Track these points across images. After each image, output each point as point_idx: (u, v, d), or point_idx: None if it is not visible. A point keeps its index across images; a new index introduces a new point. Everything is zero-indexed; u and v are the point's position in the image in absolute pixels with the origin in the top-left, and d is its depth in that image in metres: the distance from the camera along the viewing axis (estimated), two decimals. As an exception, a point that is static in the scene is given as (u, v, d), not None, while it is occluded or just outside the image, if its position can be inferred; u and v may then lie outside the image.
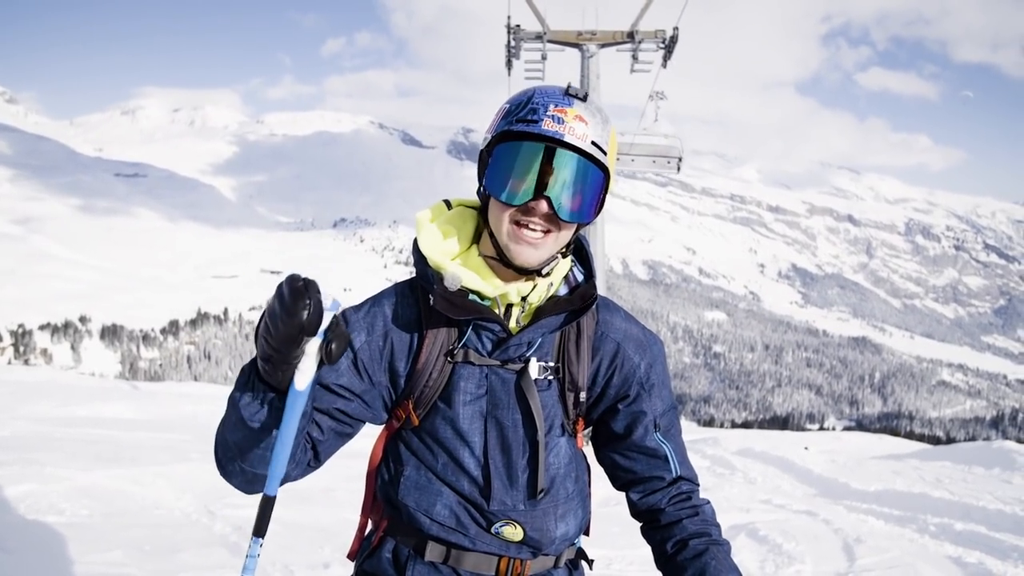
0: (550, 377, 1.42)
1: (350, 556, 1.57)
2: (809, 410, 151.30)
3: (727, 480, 9.97)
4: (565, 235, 1.34)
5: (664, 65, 14.76)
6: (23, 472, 5.51)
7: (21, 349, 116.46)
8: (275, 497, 1.26)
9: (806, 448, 13.52)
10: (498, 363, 1.39)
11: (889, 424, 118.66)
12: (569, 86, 1.32)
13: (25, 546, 3.98)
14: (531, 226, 1.29)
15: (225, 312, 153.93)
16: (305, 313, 1.04)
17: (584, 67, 14.82)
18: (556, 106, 1.27)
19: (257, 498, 1.31)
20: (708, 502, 1.53)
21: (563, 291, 1.44)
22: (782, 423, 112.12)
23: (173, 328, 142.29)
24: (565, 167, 1.27)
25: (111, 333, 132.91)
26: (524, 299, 1.38)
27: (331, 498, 6.21)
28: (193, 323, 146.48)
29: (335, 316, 1.12)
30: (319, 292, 1.07)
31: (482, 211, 1.40)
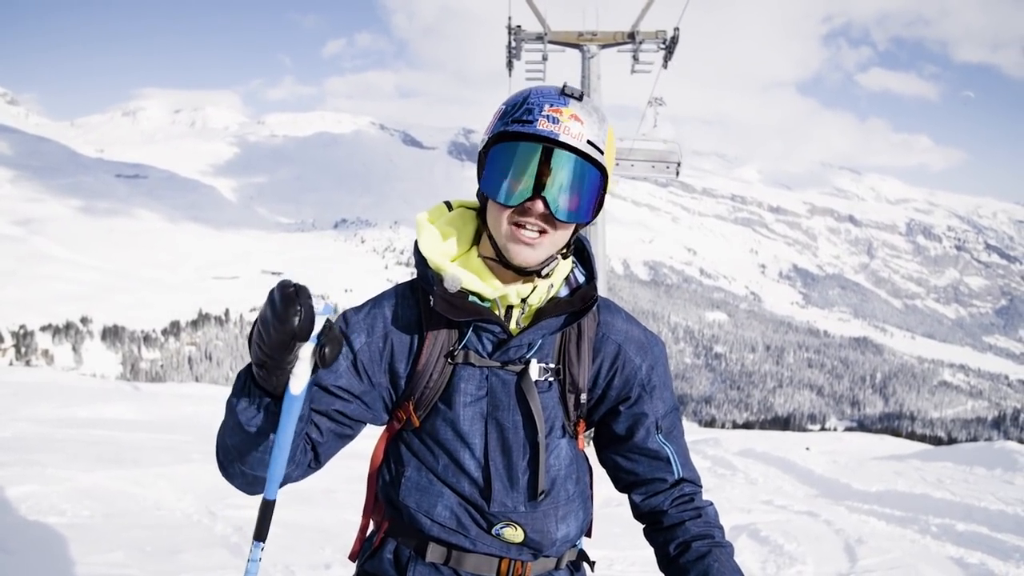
0: (551, 379, 1.42)
1: (351, 557, 1.58)
2: (810, 411, 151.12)
3: (728, 481, 9.97)
4: (563, 235, 1.34)
5: (665, 66, 14.76)
6: (24, 473, 5.51)
7: (22, 350, 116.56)
8: (275, 501, 1.28)
9: (807, 449, 13.52)
10: (498, 364, 1.39)
11: (890, 425, 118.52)
12: (565, 86, 1.31)
13: (26, 547, 3.98)
14: (528, 226, 1.29)
15: (226, 313, 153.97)
16: (296, 319, 1.05)
17: (585, 68, 14.83)
18: (551, 106, 1.27)
19: (258, 499, 1.31)
20: (711, 504, 1.53)
21: (564, 292, 1.43)
22: (783, 424, 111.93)
23: (174, 329, 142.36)
24: (561, 167, 1.26)
25: (112, 334, 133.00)
26: (524, 301, 1.38)
27: (332, 499, 6.22)
28: (194, 324, 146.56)
29: (328, 320, 1.12)
30: (310, 297, 1.08)
31: (481, 212, 1.41)
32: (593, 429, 1.57)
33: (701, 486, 1.56)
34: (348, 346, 1.38)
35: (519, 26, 14.64)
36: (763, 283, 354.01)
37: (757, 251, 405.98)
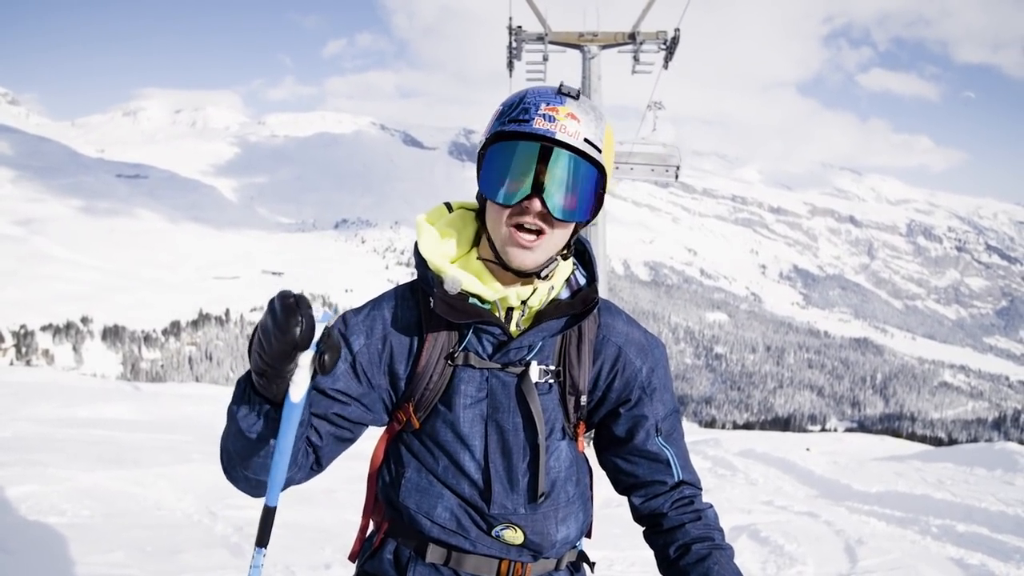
0: (551, 381, 1.42)
1: (351, 557, 1.58)
2: (811, 411, 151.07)
3: (729, 481, 9.97)
4: (562, 236, 1.33)
5: (665, 66, 14.77)
6: (25, 473, 5.51)
7: (23, 350, 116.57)
8: (276, 508, 1.28)
9: (808, 449, 13.53)
10: (499, 366, 1.38)
11: (891, 425, 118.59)
12: (562, 85, 1.31)
13: (26, 547, 3.98)
14: (526, 226, 1.28)
15: (226, 313, 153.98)
16: (298, 330, 1.06)
17: (585, 68, 14.84)
18: (548, 105, 1.26)
19: (259, 500, 1.32)
20: (711, 506, 1.53)
21: (565, 294, 1.43)
22: (784, 424, 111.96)
23: (174, 329, 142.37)
24: (557, 165, 1.26)
25: (113, 334, 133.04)
26: (524, 303, 1.38)
27: (332, 499, 6.22)
28: (194, 324, 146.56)
29: (327, 327, 1.13)
30: (310, 307, 1.09)
31: (480, 214, 1.41)
32: (593, 431, 1.57)
33: (701, 488, 1.56)
34: (347, 348, 1.38)
35: (520, 26, 14.66)
36: (763, 284, 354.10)
37: (758, 252, 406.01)
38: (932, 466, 10.65)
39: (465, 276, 1.34)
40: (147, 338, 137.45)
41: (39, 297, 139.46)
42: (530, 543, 1.43)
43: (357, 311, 1.44)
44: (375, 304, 1.45)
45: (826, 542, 5.93)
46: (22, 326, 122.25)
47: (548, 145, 1.25)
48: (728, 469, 11.08)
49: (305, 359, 1.12)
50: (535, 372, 1.39)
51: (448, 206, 1.48)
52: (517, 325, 1.39)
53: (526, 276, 1.35)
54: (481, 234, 1.41)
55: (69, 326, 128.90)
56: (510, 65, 15.19)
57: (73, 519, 4.62)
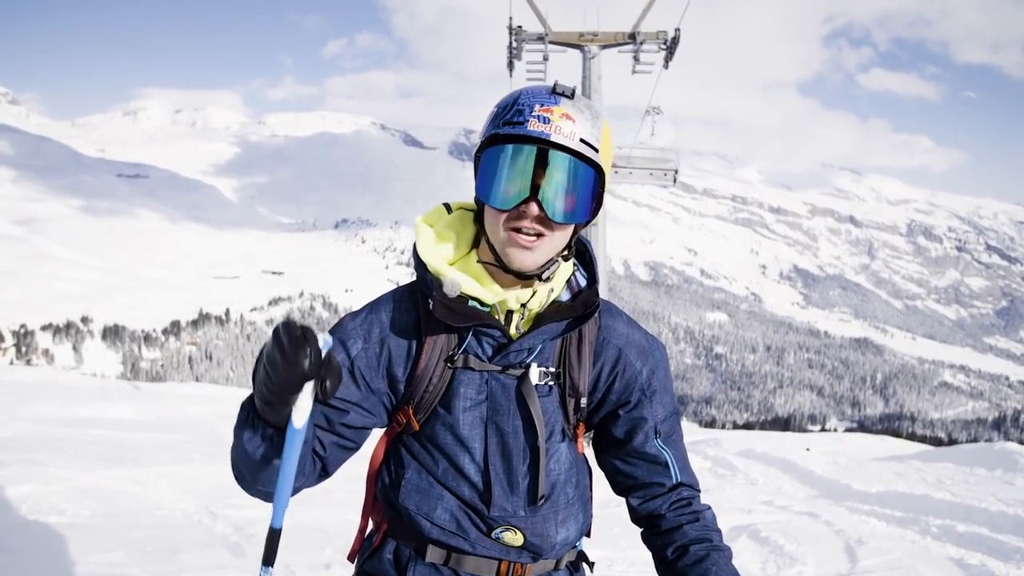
0: (551, 383, 1.41)
1: (350, 557, 1.58)
2: (811, 411, 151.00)
3: (728, 481, 9.96)
4: (562, 237, 1.32)
5: (666, 66, 14.77)
6: (25, 472, 5.51)
7: (23, 349, 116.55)
8: (280, 529, 1.30)
9: (808, 449, 13.53)
10: (498, 369, 1.37)
11: (891, 425, 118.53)
12: (556, 84, 1.28)
13: (26, 546, 3.98)
14: (524, 230, 1.27)
15: (227, 313, 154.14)
16: (307, 362, 1.06)
17: (586, 68, 14.84)
18: (542, 105, 1.24)
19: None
20: (709, 507, 1.52)
21: (565, 296, 1.41)
22: (784, 424, 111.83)
23: (174, 329, 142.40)
24: (554, 167, 1.24)
25: (113, 334, 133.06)
26: (524, 305, 1.36)
27: (332, 499, 6.21)
28: (194, 324, 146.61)
29: (328, 353, 1.14)
30: (317, 339, 1.09)
31: (478, 216, 1.39)
32: (592, 432, 1.56)
33: (699, 490, 1.55)
34: (345, 353, 1.37)
35: (520, 26, 14.66)
36: (764, 284, 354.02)
37: (758, 252, 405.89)
38: (932, 466, 10.64)
39: (464, 279, 1.33)
40: (147, 338, 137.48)
41: (39, 297, 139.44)
42: (530, 545, 1.42)
43: (355, 315, 1.43)
44: (372, 307, 1.44)
45: (826, 542, 5.93)
46: (22, 326, 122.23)
47: (544, 147, 1.23)
48: (728, 469, 11.07)
49: (308, 386, 1.13)
50: (535, 374, 1.38)
51: (447, 207, 1.46)
52: (517, 328, 1.38)
53: (526, 278, 1.33)
54: (480, 236, 1.39)
55: (69, 326, 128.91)
56: (510, 65, 15.19)
57: (73, 519, 4.62)
